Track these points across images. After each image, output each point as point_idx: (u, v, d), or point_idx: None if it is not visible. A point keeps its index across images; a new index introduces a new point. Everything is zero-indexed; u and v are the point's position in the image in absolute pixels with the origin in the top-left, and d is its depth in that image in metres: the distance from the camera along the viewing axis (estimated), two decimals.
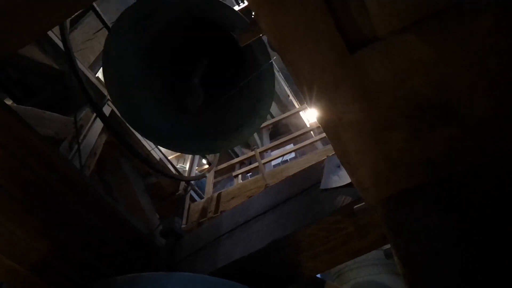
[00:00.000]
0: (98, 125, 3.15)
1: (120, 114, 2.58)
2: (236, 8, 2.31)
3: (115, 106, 2.54)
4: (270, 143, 6.19)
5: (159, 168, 3.63)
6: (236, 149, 7.27)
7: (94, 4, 3.09)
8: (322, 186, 1.86)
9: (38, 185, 1.84)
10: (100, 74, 3.65)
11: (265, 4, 0.85)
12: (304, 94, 0.99)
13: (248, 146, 7.32)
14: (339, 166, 1.90)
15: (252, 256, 1.88)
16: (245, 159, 5.08)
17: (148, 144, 3.78)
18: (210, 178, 4.52)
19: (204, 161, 5.36)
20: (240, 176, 4.71)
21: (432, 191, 1.06)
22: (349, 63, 0.89)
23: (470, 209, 0.98)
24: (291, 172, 3.25)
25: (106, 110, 3.25)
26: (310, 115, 7.43)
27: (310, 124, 6.95)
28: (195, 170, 4.99)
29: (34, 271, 1.97)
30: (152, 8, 2.25)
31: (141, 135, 2.80)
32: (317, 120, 1.05)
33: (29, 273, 1.95)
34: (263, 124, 5.82)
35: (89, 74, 3.22)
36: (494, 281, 0.87)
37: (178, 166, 5.26)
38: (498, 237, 0.91)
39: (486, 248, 0.91)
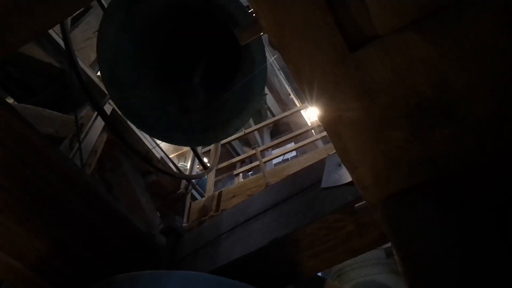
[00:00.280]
0: (99, 123, 3.15)
1: (109, 94, 2.54)
2: None
3: (107, 90, 2.49)
4: (271, 141, 6.20)
5: (160, 166, 3.64)
6: (237, 147, 7.27)
7: None
8: (322, 185, 1.86)
9: (39, 184, 1.85)
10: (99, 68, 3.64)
11: (265, 2, 0.85)
12: (305, 93, 0.98)
13: (249, 144, 7.32)
14: (339, 165, 1.90)
15: (253, 254, 1.89)
16: (246, 157, 5.08)
17: (149, 143, 3.78)
18: (211, 177, 4.52)
19: (205, 159, 5.37)
20: (241, 174, 4.72)
21: (432, 190, 1.06)
22: (349, 62, 0.89)
23: (470, 209, 0.97)
24: (292, 170, 3.25)
25: (107, 108, 3.25)
26: (311, 114, 7.42)
27: (311, 123, 6.94)
28: (196, 169, 4.99)
29: (35, 269, 1.97)
30: None
31: (130, 121, 2.76)
32: (318, 119, 1.05)
33: (30, 272, 1.96)
34: (264, 123, 5.83)
35: (90, 72, 3.22)
36: (494, 281, 0.87)
37: (179, 165, 5.26)
38: (498, 237, 0.91)
39: (486, 248, 0.91)
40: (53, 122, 2.75)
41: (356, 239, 1.76)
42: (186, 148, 5.47)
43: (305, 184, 2.00)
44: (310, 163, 2.26)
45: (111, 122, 2.98)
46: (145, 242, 2.47)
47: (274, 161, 5.70)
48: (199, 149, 4.92)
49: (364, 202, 1.27)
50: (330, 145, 3.25)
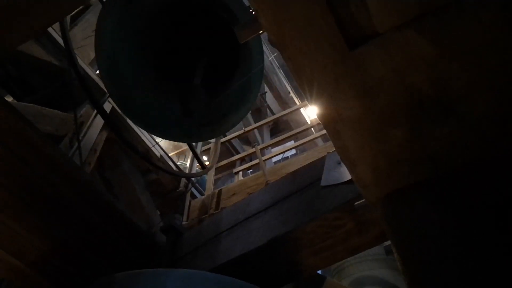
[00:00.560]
0: (99, 121, 3.15)
1: (110, 95, 2.52)
2: None
3: (106, 87, 2.49)
4: (271, 140, 6.20)
5: (160, 165, 3.63)
6: (237, 146, 7.26)
7: None
8: (322, 183, 1.86)
9: (38, 183, 1.84)
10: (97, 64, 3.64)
11: (265, 1, 0.84)
12: (304, 91, 0.98)
13: (249, 143, 7.31)
14: (339, 163, 1.90)
15: (252, 253, 1.89)
16: (245, 156, 5.08)
17: (148, 141, 3.78)
18: (210, 175, 4.52)
19: (205, 157, 5.37)
20: (240, 173, 4.71)
21: (432, 189, 1.06)
22: (349, 60, 0.89)
23: (470, 207, 0.97)
24: (292, 168, 3.25)
25: (107, 107, 3.24)
26: (311, 112, 7.41)
27: (310, 121, 6.93)
28: (196, 167, 4.99)
29: (35, 268, 1.97)
30: None
31: (125, 115, 2.75)
32: (317, 117, 1.05)
33: (30, 271, 1.96)
34: (264, 121, 5.82)
35: (89, 70, 3.22)
36: (494, 280, 0.87)
37: (178, 163, 5.26)
38: (497, 235, 0.91)
39: (486, 246, 0.91)
40: (53, 120, 2.75)
41: (356, 237, 1.76)
42: (185, 147, 5.46)
43: (304, 182, 2.00)
44: (310, 161, 2.25)
45: (110, 120, 2.97)
46: (145, 241, 2.47)
47: (274, 159, 5.70)
48: (199, 148, 4.92)
49: (364, 200, 1.27)
50: (330, 143, 3.24)
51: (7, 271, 1.96)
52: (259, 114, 8.57)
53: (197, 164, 4.94)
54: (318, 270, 2.21)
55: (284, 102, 9.14)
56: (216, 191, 4.06)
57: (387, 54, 0.87)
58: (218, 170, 5.00)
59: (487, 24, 0.81)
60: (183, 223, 3.67)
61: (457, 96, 0.92)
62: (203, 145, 5.10)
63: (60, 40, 3.00)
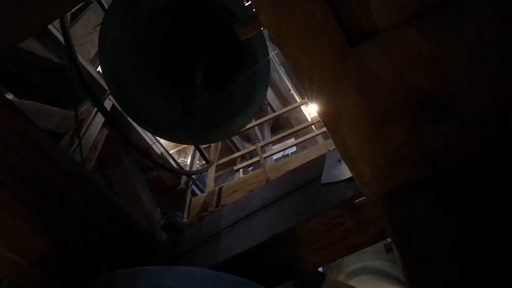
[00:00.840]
0: (99, 119, 3.15)
1: (110, 91, 2.54)
2: None
3: (109, 90, 2.51)
4: (271, 137, 6.20)
5: (160, 162, 3.64)
6: (238, 143, 7.26)
7: None
8: (323, 180, 1.86)
9: (39, 180, 1.85)
10: (100, 68, 3.64)
11: None
12: (305, 88, 0.98)
13: (249, 140, 7.32)
14: (339, 160, 1.90)
15: (253, 250, 1.89)
16: (246, 153, 5.08)
17: (149, 138, 3.78)
18: (211, 172, 4.52)
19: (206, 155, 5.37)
20: (241, 170, 4.72)
21: (432, 187, 1.06)
22: (349, 57, 0.89)
23: (470, 206, 0.97)
24: (292, 166, 3.25)
25: (107, 104, 3.24)
26: (311, 109, 7.41)
27: (311, 118, 6.93)
28: (197, 164, 4.99)
29: (36, 265, 1.98)
30: None
31: (132, 120, 2.78)
32: (318, 114, 1.05)
33: (31, 268, 1.96)
34: (264, 118, 5.82)
35: (90, 68, 3.21)
36: (493, 280, 0.87)
37: (179, 160, 5.26)
38: (497, 236, 0.91)
39: (486, 245, 0.91)
40: (53, 118, 2.75)
41: (356, 235, 1.76)
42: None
43: (305, 180, 2.00)
44: (310, 158, 2.25)
45: (111, 118, 2.97)
46: (145, 238, 2.48)
47: (275, 157, 5.70)
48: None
49: (364, 198, 1.27)
50: (330, 140, 3.24)
51: (9, 268, 1.96)
52: (259, 111, 8.55)
53: (198, 162, 4.95)
54: (318, 267, 2.21)
55: (284, 99, 9.12)
56: (217, 188, 4.06)
57: (387, 52, 0.87)
58: (219, 167, 5.00)
59: (487, 22, 0.81)
60: (184, 220, 3.67)
61: (457, 94, 0.92)
62: None
63: (61, 37, 2.99)
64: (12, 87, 3.13)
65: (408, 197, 1.09)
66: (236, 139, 7.08)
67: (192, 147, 5.01)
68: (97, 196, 2.13)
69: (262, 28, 1.11)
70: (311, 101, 1.00)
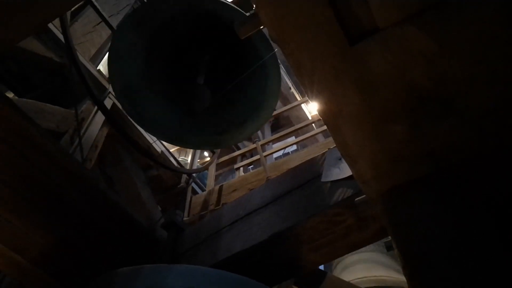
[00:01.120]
0: (100, 118, 3.15)
1: (122, 107, 2.61)
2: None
3: (118, 100, 2.58)
4: (272, 135, 6.19)
5: (161, 161, 3.64)
6: None
7: None
8: (323, 179, 1.86)
9: (39, 179, 1.85)
10: (101, 66, 3.64)
11: None
12: (305, 86, 0.98)
13: (250, 138, 7.31)
14: (340, 159, 1.90)
15: (253, 248, 1.89)
16: (246, 151, 5.08)
17: (149, 137, 3.78)
18: (211, 171, 4.53)
19: (206, 153, 5.37)
20: (241, 168, 4.71)
21: (432, 185, 1.06)
22: (349, 55, 0.89)
23: (470, 204, 0.97)
24: (293, 164, 3.25)
25: (107, 103, 3.24)
26: (312, 108, 7.41)
27: (311, 117, 6.93)
28: (197, 163, 4.99)
29: (36, 263, 1.98)
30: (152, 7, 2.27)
31: (145, 130, 2.83)
32: (318, 112, 1.05)
33: (31, 266, 1.97)
34: None
35: (89, 66, 3.21)
36: (493, 279, 0.87)
37: (179, 159, 5.26)
38: (497, 235, 0.91)
39: (486, 244, 0.91)
40: (54, 116, 2.75)
41: (356, 233, 1.76)
42: None
43: (305, 178, 2.00)
44: (311, 157, 2.25)
45: (111, 116, 2.97)
46: (146, 237, 2.48)
47: (275, 155, 5.70)
48: None
49: (364, 196, 1.27)
50: (331, 139, 3.24)
51: (10, 266, 1.97)
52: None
53: (198, 160, 4.95)
54: (319, 265, 2.22)
55: (285, 97, 9.10)
56: (217, 187, 4.06)
57: (387, 50, 0.87)
58: (219, 166, 5.00)
59: (487, 21, 0.81)
60: (184, 219, 3.67)
61: (457, 91, 0.92)
62: None
63: (61, 36, 2.99)
64: (13, 86, 3.13)
65: (408, 196, 1.09)
66: None
67: None
68: (98, 195, 2.14)
69: (261, 27, 1.11)
70: (311, 99, 1.00)
